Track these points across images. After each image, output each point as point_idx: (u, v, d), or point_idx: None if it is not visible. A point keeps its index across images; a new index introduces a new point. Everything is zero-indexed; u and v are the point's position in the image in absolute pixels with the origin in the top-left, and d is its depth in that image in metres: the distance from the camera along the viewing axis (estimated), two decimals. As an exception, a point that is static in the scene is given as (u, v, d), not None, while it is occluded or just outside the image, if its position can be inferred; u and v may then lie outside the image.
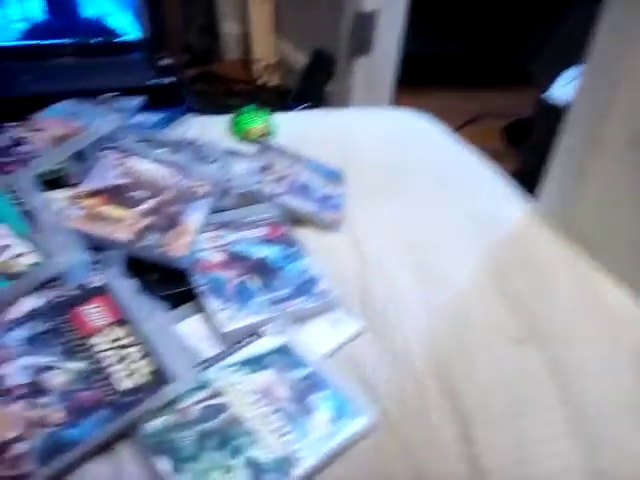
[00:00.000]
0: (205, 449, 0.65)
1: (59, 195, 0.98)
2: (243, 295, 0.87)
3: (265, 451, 0.65)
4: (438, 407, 0.76)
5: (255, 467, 0.64)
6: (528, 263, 1.11)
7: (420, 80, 2.72)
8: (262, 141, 1.37)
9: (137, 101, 1.36)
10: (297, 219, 1.10)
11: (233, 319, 0.82)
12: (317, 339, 0.84)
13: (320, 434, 0.68)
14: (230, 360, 0.76)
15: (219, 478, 0.62)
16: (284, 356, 0.78)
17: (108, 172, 1.02)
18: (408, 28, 2.13)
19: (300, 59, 2.50)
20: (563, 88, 1.83)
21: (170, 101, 1.53)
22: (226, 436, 0.66)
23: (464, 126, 2.39)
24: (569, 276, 1.10)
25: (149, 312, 0.77)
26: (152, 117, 1.39)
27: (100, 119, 1.13)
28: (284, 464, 0.64)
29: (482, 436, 0.72)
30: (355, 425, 0.70)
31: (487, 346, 0.89)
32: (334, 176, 1.27)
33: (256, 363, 0.76)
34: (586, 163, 1.26)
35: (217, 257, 0.93)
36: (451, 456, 0.69)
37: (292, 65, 2.63)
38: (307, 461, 0.65)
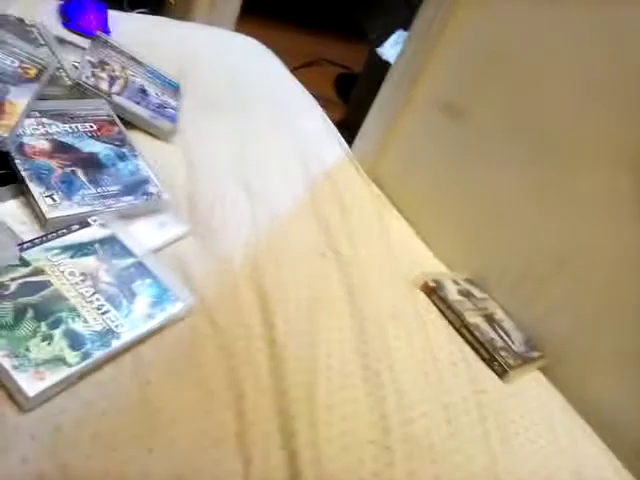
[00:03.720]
0: (23, 319, 0.67)
1: None
2: (69, 186, 0.87)
3: (86, 325, 0.70)
4: (248, 302, 0.88)
5: (74, 337, 0.68)
6: (339, 197, 1.27)
7: (265, 12, 2.73)
8: (98, 35, 1.30)
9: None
10: (130, 122, 1.10)
11: (58, 207, 0.83)
12: (144, 236, 0.89)
13: (140, 314, 0.75)
14: (53, 244, 0.78)
15: (36, 345, 0.66)
16: (110, 246, 0.82)
17: None
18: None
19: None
20: (393, 48, 2.02)
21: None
22: (46, 310, 0.69)
23: (301, 67, 2.49)
24: (369, 212, 1.29)
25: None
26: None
27: None
28: (104, 336, 0.70)
29: (281, 324, 0.85)
30: (173, 309, 0.78)
31: (297, 258, 1.03)
32: (172, 87, 1.28)
33: (81, 249, 0.79)
34: (397, 120, 1.45)
35: (41, 144, 0.90)
36: (255, 336, 0.82)
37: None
38: (126, 336, 0.72)
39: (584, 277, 1.08)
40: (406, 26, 1.54)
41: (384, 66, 1.70)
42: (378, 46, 2.12)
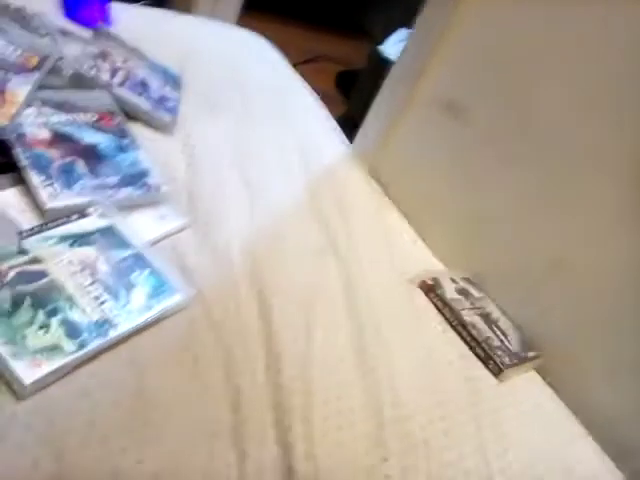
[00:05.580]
0: (20, 308, 0.67)
1: None
2: (69, 176, 0.87)
3: (83, 314, 0.70)
4: (246, 295, 0.88)
5: (71, 326, 0.68)
6: (338, 194, 1.27)
7: (267, 8, 2.73)
8: (100, 26, 1.30)
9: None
10: (131, 114, 1.10)
11: (57, 196, 0.83)
12: (143, 228, 0.89)
13: (138, 305, 0.75)
14: (52, 233, 0.77)
15: (32, 333, 0.66)
16: (109, 236, 0.82)
17: None
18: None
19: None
20: (395, 45, 2.02)
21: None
22: (43, 298, 0.69)
23: (303, 63, 2.48)
24: (368, 210, 1.29)
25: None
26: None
27: None
28: (101, 326, 0.70)
29: (278, 318, 0.85)
30: (170, 301, 0.78)
31: (295, 254, 1.03)
32: (173, 79, 1.28)
33: (79, 238, 0.79)
34: (398, 118, 1.45)
35: (42, 134, 0.90)
36: (252, 330, 0.82)
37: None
38: (123, 326, 0.72)
39: (580, 278, 1.08)
40: (408, 24, 1.53)
41: (385, 64, 1.70)
42: (380, 44, 2.12)
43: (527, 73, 1.17)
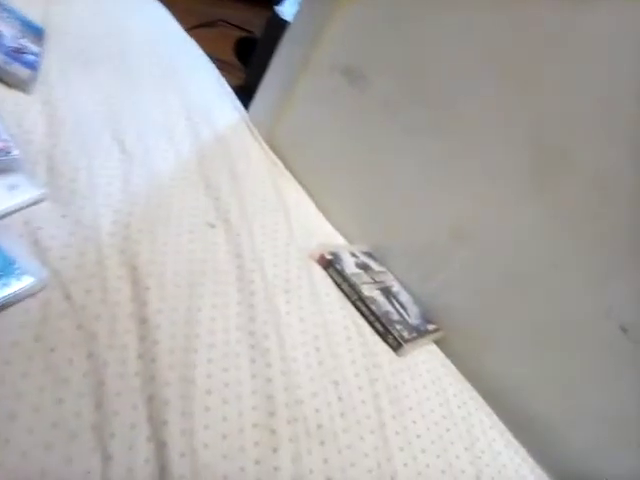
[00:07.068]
0: None
1: None
2: None
3: None
4: (115, 274, 0.77)
5: None
6: (231, 163, 1.17)
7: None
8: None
9: None
10: (-22, 67, 0.93)
11: None
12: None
13: (-26, 291, 0.62)
14: None
15: None
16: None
17: None
18: None
19: None
20: (292, 6, 1.91)
21: None
22: None
23: (198, 27, 2.32)
24: (265, 181, 1.21)
25: None
26: None
27: None
28: None
29: (155, 299, 0.75)
30: (17, 284, 0.66)
31: (178, 228, 0.93)
32: (34, 30, 1.11)
33: None
34: (294, 83, 1.36)
35: None
36: (122, 314, 0.71)
37: None
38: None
39: (481, 248, 1.07)
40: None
41: (284, 26, 1.60)
42: (277, 4, 2.01)
43: (426, 39, 1.13)
